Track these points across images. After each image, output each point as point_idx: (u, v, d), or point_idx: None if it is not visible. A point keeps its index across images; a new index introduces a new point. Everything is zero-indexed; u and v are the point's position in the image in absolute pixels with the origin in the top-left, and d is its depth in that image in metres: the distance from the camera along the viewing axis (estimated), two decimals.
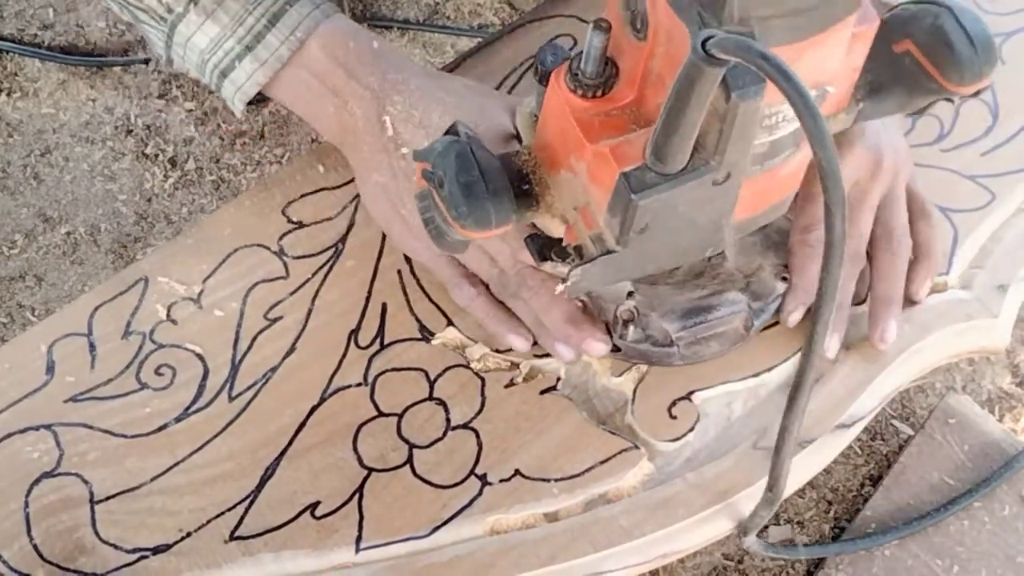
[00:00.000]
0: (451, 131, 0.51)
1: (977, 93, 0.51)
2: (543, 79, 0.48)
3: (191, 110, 0.81)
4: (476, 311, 0.64)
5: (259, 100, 0.67)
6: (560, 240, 0.54)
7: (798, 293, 0.63)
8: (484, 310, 0.63)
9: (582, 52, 0.45)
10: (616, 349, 0.61)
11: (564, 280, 0.50)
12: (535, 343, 0.63)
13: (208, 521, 0.57)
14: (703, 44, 0.36)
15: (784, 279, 0.64)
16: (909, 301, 0.66)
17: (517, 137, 0.61)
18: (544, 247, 0.54)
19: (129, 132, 0.81)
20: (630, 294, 0.61)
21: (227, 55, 0.62)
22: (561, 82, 0.46)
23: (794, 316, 0.63)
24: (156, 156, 0.80)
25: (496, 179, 0.47)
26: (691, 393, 0.62)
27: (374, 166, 0.63)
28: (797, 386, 0.47)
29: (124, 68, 0.84)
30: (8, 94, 0.83)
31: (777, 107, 0.44)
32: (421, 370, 0.62)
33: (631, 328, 0.60)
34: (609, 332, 0.61)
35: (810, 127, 0.36)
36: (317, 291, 0.65)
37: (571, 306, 0.61)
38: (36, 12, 0.88)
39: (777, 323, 0.64)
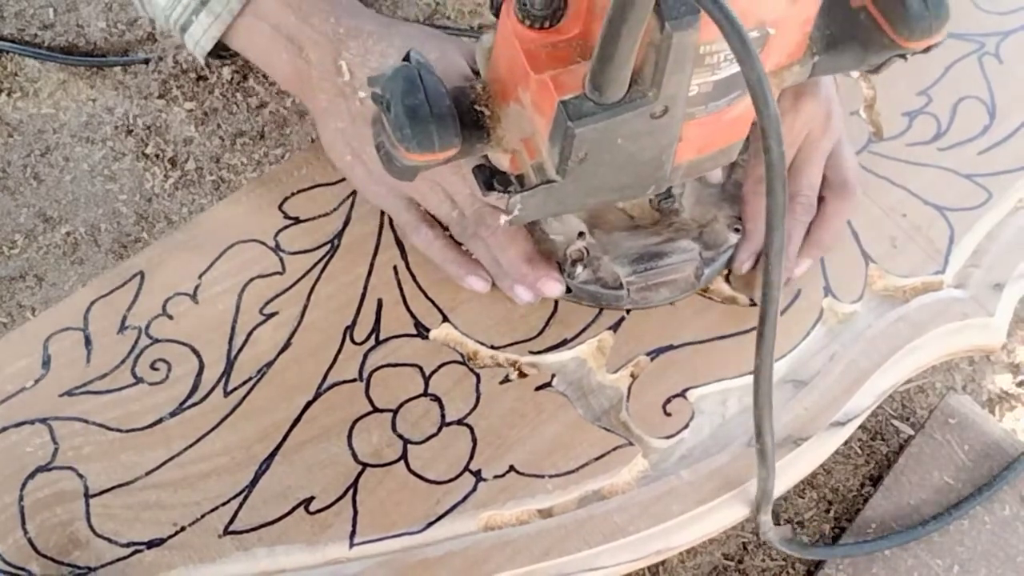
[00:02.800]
0: (405, 59, 0.51)
1: (927, 49, 0.51)
2: (496, 11, 0.49)
3: (191, 110, 0.81)
4: (434, 254, 0.64)
5: (226, 52, 0.68)
6: None
7: (751, 240, 0.64)
8: (442, 252, 0.64)
9: None
10: (569, 291, 0.63)
11: (506, 210, 0.51)
12: (494, 286, 0.64)
13: (202, 515, 0.57)
14: None
15: (737, 230, 0.65)
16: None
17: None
18: (491, 177, 0.54)
19: (129, 132, 0.81)
20: (581, 235, 0.62)
21: (185, 10, 0.64)
22: (511, 13, 0.47)
23: (746, 265, 0.64)
24: (156, 156, 0.80)
25: (440, 102, 0.48)
26: (686, 390, 0.62)
27: (332, 112, 0.64)
28: (762, 319, 0.47)
29: (124, 68, 0.84)
30: (8, 94, 0.83)
31: (718, 44, 0.44)
32: (416, 366, 0.62)
33: (580, 268, 0.62)
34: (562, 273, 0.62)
35: (736, 46, 0.37)
36: (313, 286, 0.65)
37: (527, 245, 0.62)
38: (36, 12, 0.88)
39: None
